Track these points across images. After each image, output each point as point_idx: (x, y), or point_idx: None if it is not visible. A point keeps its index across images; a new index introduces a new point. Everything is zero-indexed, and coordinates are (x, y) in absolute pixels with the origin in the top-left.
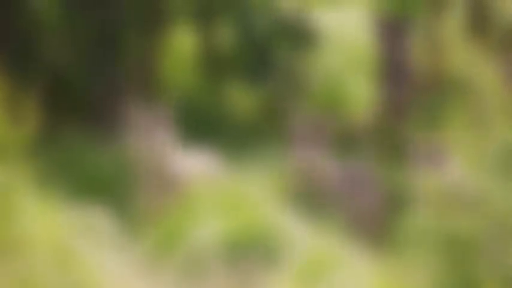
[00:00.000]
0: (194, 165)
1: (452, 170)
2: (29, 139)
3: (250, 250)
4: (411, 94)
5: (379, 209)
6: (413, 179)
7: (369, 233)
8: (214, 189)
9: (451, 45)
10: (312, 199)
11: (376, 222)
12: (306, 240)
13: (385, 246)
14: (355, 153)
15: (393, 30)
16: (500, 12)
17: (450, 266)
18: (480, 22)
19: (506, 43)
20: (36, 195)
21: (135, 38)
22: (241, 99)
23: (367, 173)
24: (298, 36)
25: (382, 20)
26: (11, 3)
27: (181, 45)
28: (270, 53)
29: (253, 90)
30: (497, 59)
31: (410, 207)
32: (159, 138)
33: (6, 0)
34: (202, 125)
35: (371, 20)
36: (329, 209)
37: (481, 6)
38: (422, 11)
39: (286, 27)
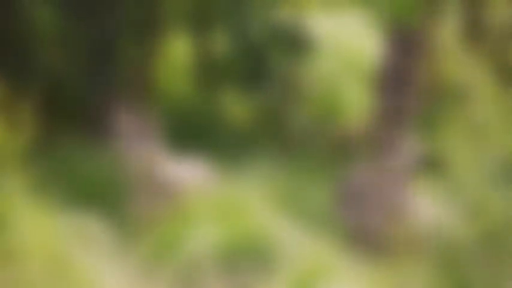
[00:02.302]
0: (189, 173)
1: (450, 178)
2: (24, 147)
3: (245, 258)
4: (408, 101)
5: (375, 218)
6: (410, 186)
7: (364, 241)
8: (208, 197)
9: (448, 52)
10: (307, 207)
11: (373, 231)
12: (300, 248)
13: (379, 254)
14: (351, 161)
15: (390, 37)
16: (495, 18)
17: (445, 275)
18: (476, 29)
19: (502, 49)
20: (31, 203)
21: (130, 47)
22: (236, 106)
23: (363, 181)
24: (294, 43)
25: (380, 26)
26: (8, 12)
27: (177, 53)
28: (265, 60)
29: (249, 98)
30: (493, 64)
31: (407, 214)
32: (154, 146)
33: (3, 8)
34: (197, 133)
35: (367, 27)
36: (324, 217)
37: (476, 13)
38: (419, 18)
39: (282, 35)
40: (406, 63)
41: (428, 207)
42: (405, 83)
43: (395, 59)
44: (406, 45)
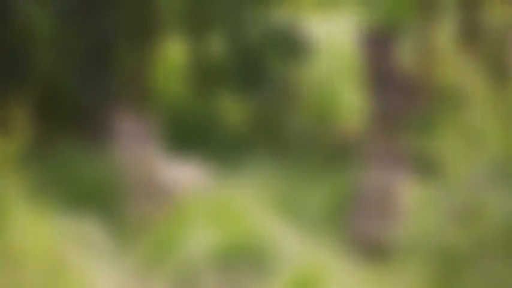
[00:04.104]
0: (186, 176)
1: (445, 180)
2: (21, 150)
3: (241, 260)
4: (402, 103)
5: (373, 220)
6: (406, 189)
7: (362, 244)
8: (205, 199)
9: (443, 54)
10: (304, 209)
11: (370, 234)
12: (296, 250)
13: (377, 257)
14: (347, 163)
15: (384, 39)
16: (491, 21)
17: (441, 277)
18: (471, 30)
19: (497, 51)
20: (28, 206)
21: (126, 49)
22: (232, 109)
23: (362, 184)
24: (289, 46)
25: (373, 29)
26: (3, 16)
27: (173, 56)
28: (261, 63)
29: (244, 100)
30: (489, 66)
31: (402, 216)
32: (150, 149)
33: None
34: (193, 135)
35: (362, 29)
36: (320, 218)
37: (471, 14)
38: (413, 20)
39: (278, 38)
40: (396, 65)
41: (423, 210)
42: (397, 84)
43: (386, 60)
44: (396, 47)
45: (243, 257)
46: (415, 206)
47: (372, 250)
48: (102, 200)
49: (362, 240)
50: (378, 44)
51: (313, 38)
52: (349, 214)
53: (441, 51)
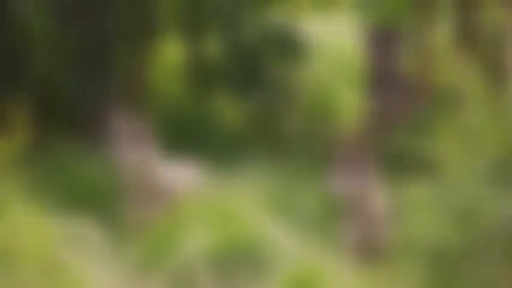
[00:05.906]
0: (183, 176)
1: (443, 180)
2: (20, 151)
3: (238, 260)
4: (400, 103)
5: (369, 221)
6: (403, 189)
7: (358, 245)
8: (202, 200)
9: (441, 55)
10: (300, 210)
11: (366, 235)
12: (294, 250)
13: (372, 258)
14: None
15: (382, 40)
16: (489, 21)
17: (437, 278)
18: (469, 31)
19: (493, 52)
20: (26, 206)
21: (125, 50)
22: (229, 110)
23: (358, 186)
24: (287, 46)
25: (371, 30)
26: (1, 15)
27: (172, 56)
28: (258, 63)
29: (242, 101)
30: (485, 67)
31: (399, 217)
32: (148, 150)
33: None
34: (191, 136)
35: (360, 30)
36: (316, 219)
37: (470, 16)
38: (411, 21)
39: (275, 38)
40: (394, 65)
41: (421, 210)
42: (395, 85)
43: (383, 60)
44: (394, 47)
45: (241, 258)
46: (413, 206)
47: (369, 250)
48: (100, 201)
49: (358, 240)
50: (377, 45)
51: (312, 39)
52: (345, 214)
53: (440, 52)
